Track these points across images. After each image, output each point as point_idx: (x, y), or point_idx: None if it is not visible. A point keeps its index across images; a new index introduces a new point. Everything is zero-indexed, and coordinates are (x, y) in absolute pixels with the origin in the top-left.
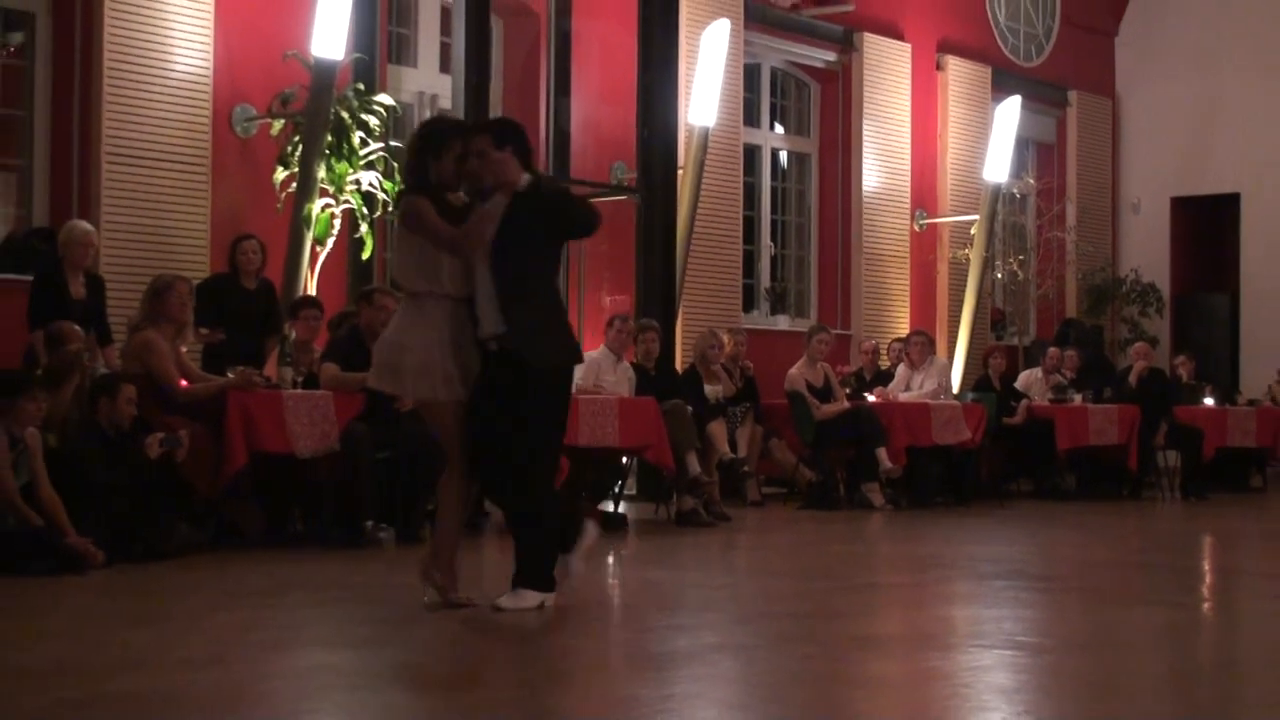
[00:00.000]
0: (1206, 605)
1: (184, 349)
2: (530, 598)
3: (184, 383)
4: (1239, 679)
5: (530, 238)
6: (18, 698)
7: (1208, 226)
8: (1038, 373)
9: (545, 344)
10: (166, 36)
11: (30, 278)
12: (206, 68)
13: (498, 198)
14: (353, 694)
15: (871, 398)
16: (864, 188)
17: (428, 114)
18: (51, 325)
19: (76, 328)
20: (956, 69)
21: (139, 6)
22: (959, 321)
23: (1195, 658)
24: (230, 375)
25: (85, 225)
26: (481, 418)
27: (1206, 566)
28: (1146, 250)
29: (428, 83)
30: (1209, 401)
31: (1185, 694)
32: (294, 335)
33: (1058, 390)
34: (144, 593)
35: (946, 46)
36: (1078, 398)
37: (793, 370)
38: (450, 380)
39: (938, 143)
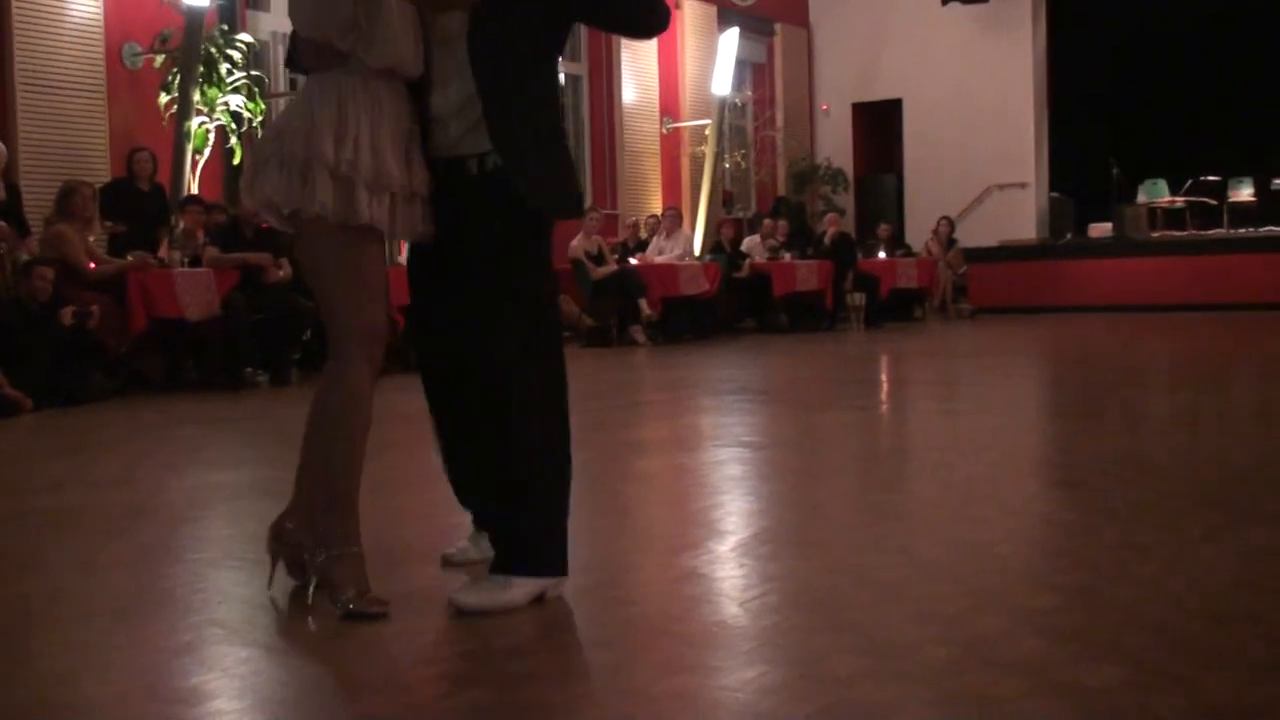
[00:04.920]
0: (884, 407)
1: (91, 239)
2: (522, 588)
3: (92, 265)
4: (906, 459)
5: (547, 15)
6: None
7: (879, 124)
8: (757, 238)
9: (552, 178)
10: None
11: None
12: (98, 12)
13: None
14: (233, 503)
15: (634, 261)
16: (623, 101)
17: (281, 50)
18: None
19: (0, 222)
20: (690, 7)
21: None
22: (698, 201)
23: (875, 446)
24: (130, 259)
25: None
26: (449, 279)
27: (884, 378)
28: (835, 143)
29: (279, 24)
30: (882, 255)
31: (866, 473)
32: (181, 226)
33: (772, 251)
34: (65, 430)
35: None
36: (787, 256)
37: (573, 242)
38: (384, 198)
39: (678, 65)
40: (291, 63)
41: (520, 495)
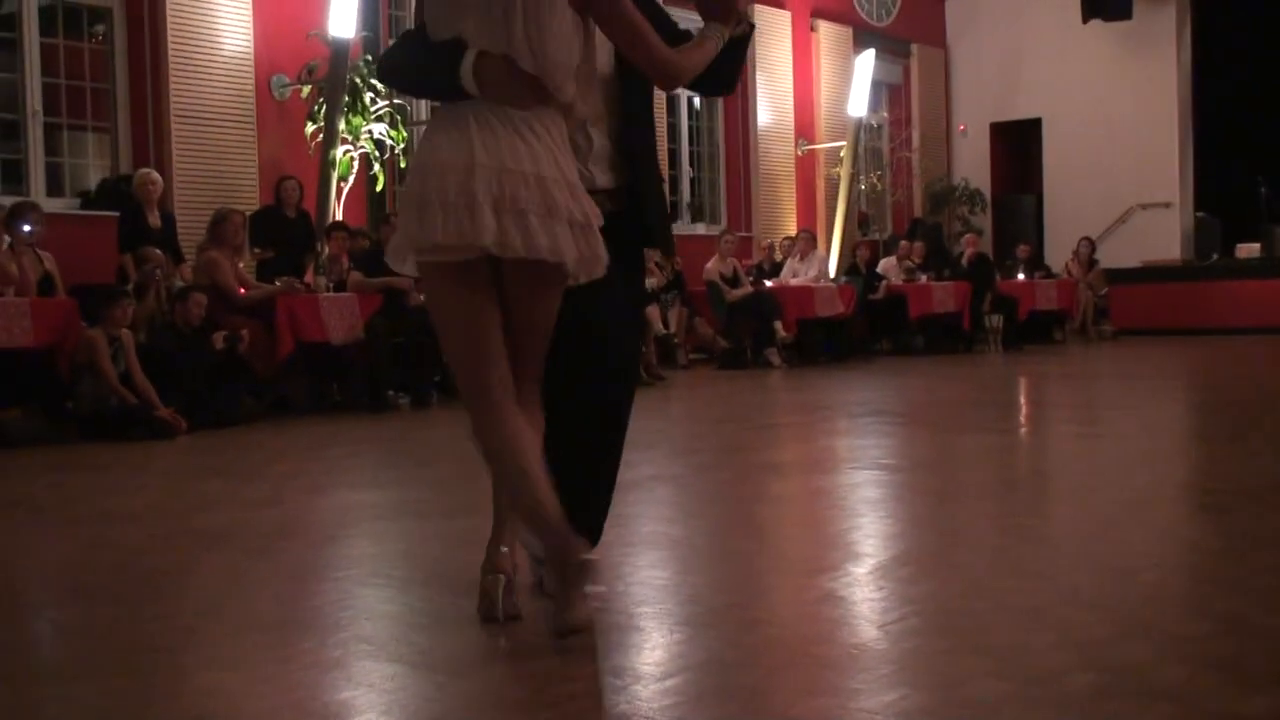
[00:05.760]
0: (1022, 430)
1: (241, 264)
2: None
3: (242, 290)
4: (1047, 482)
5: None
6: (123, 533)
7: (1018, 144)
8: (893, 260)
9: (665, 214)
10: (215, 23)
11: (118, 214)
12: (248, 46)
13: (717, 27)
14: (376, 523)
15: (769, 283)
16: (758, 124)
17: None
18: (137, 249)
19: (156, 250)
20: (825, 30)
21: None
22: (833, 223)
23: (1014, 470)
24: (278, 284)
25: (148, 170)
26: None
27: (1023, 401)
28: (973, 164)
29: None
30: (1021, 276)
31: (1006, 496)
32: (327, 251)
33: (908, 272)
34: (216, 451)
35: (817, 12)
36: (923, 277)
37: (709, 265)
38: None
39: (813, 87)
40: (388, 78)
41: (612, 475)
